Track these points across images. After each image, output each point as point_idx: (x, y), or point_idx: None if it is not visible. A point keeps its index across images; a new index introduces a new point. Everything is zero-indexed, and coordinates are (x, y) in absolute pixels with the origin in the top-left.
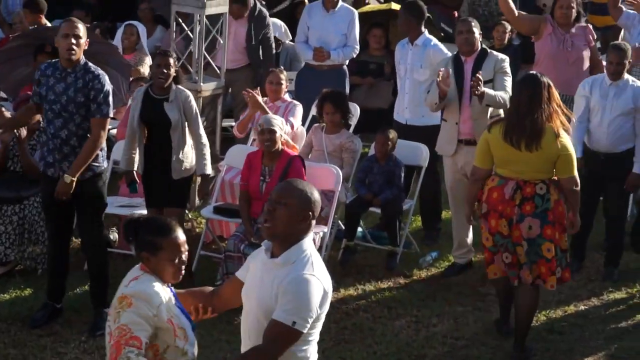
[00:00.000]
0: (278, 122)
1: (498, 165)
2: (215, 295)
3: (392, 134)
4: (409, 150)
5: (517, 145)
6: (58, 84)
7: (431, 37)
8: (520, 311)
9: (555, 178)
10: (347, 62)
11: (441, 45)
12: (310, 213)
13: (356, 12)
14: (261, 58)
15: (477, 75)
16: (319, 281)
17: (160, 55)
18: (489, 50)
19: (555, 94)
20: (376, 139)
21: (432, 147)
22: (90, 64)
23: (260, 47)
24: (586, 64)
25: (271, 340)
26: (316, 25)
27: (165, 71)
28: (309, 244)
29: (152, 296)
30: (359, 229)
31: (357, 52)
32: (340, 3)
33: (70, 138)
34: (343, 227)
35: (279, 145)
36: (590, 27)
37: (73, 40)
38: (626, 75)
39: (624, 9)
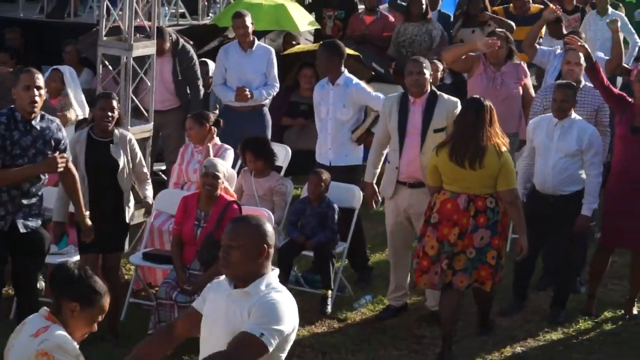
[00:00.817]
0: (223, 169)
1: (447, 183)
2: (175, 332)
3: (325, 175)
4: (341, 192)
5: (462, 164)
6: (24, 137)
7: (351, 76)
8: (444, 311)
9: (497, 190)
10: (269, 102)
11: (363, 84)
12: (266, 245)
13: (273, 51)
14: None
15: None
16: (292, 302)
17: (103, 98)
18: (438, 93)
19: (495, 117)
20: (309, 181)
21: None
22: (43, 112)
23: (188, 85)
24: (518, 102)
25: (235, 348)
26: (234, 66)
27: (110, 114)
28: (274, 278)
29: (72, 347)
30: (292, 273)
31: (278, 90)
32: (257, 42)
33: (31, 189)
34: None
35: (219, 192)
36: (523, 64)
37: (36, 92)
38: (573, 115)
39: (538, 47)
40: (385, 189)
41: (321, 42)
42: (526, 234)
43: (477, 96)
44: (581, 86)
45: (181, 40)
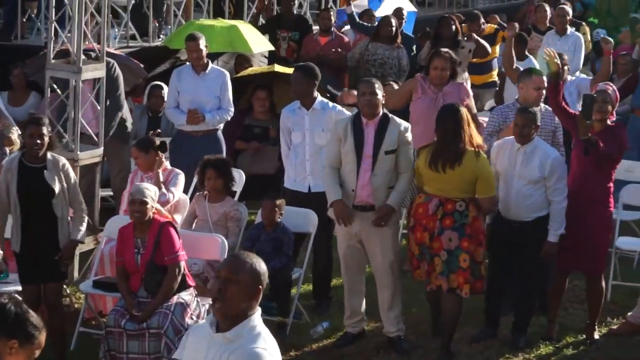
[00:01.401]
0: (151, 193)
1: (424, 183)
2: None
3: (280, 200)
4: (296, 217)
5: (442, 168)
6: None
7: (326, 99)
8: (445, 315)
9: (477, 196)
10: (222, 126)
11: (340, 107)
12: (261, 287)
13: (227, 74)
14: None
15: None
16: (271, 356)
17: (32, 125)
18: (390, 116)
19: (471, 122)
20: (263, 206)
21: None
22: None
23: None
24: None
25: None
26: (187, 89)
27: (38, 141)
28: (258, 318)
29: None
30: None
31: (232, 114)
32: (211, 65)
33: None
34: None
35: (150, 215)
36: (466, 84)
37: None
38: (536, 140)
39: (521, 69)
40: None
41: (295, 66)
42: (492, 265)
43: (454, 103)
44: (542, 108)
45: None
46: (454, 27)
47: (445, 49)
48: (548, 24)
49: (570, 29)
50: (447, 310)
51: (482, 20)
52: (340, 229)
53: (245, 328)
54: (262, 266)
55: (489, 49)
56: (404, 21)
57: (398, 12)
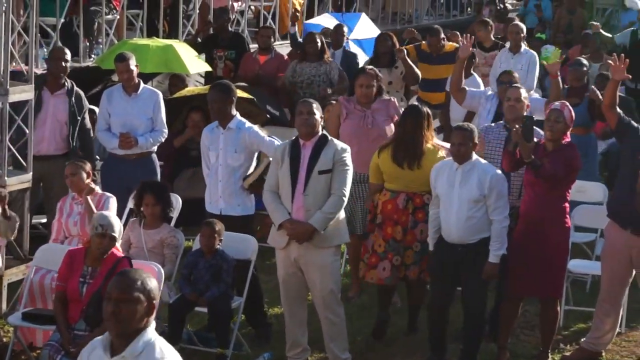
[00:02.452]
0: (118, 227)
1: (387, 181)
2: None
3: (219, 225)
4: (236, 243)
5: (402, 165)
6: None
7: (243, 119)
8: (411, 305)
9: None
10: (156, 149)
11: (256, 128)
12: (155, 302)
13: (160, 94)
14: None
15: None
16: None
17: None
18: (330, 138)
19: (432, 123)
20: (201, 232)
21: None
22: None
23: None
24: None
25: None
26: (118, 111)
27: None
28: (152, 331)
29: None
30: (184, 331)
31: (166, 136)
32: (142, 85)
33: None
34: (166, 330)
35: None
36: (394, 100)
37: None
38: (474, 157)
39: (467, 89)
40: (277, 239)
41: (212, 84)
42: (437, 286)
43: (416, 103)
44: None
45: (74, 84)
46: (389, 43)
47: (370, 67)
48: (494, 40)
49: (524, 47)
50: (417, 298)
51: (443, 35)
52: (279, 255)
53: (139, 343)
54: (152, 281)
55: (419, 75)
56: (345, 38)
57: (338, 29)
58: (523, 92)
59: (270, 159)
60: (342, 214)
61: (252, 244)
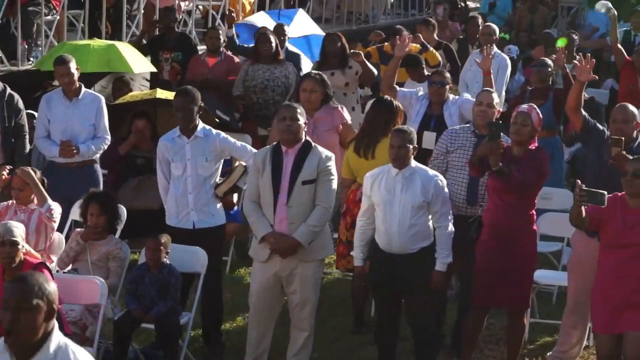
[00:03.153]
0: (20, 232)
1: (356, 174)
2: None
3: (165, 238)
4: (185, 256)
5: (361, 155)
6: None
7: (208, 125)
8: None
9: None
10: (98, 157)
11: (225, 134)
12: (55, 306)
13: (103, 99)
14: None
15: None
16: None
17: None
18: (314, 144)
19: (401, 114)
20: (146, 245)
21: (220, 250)
22: None
23: (14, 140)
24: (335, 149)
25: None
26: (58, 117)
27: None
28: (57, 333)
29: None
30: (130, 348)
31: (109, 143)
32: (84, 90)
33: None
34: (111, 347)
35: (21, 257)
36: (341, 109)
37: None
38: (413, 163)
39: (398, 88)
40: (258, 252)
41: (177, 90)
42: (381, 301)
43: (389, 98)
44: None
45: (8, 88)
46: (339, 44)
47: (317, 72)
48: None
49: (495, 50)
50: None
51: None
52: (256, 269)
53: (50, 350)
54: (51, 285)
55: (375, 72)
56: (286, 38)
57: (279, 29)
58: (495, 97)
59: (244, 164)
60: (326, 228)
61: (202, 256)
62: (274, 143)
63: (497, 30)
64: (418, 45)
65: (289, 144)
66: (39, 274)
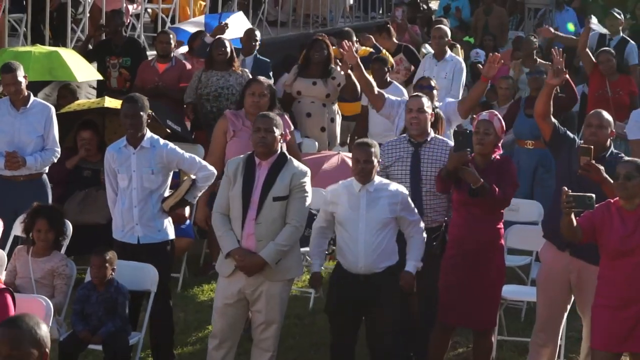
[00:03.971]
0: None
1: None
2: None
3: (110, 254)
4: (133, 273)
5: None
6: None
7: (156, 135)
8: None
9: None
10: (47, 170)
11: (172, 145)
12: (47, 350)
13: (53, 108)
14: None
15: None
16: None
17: None
18: (289, 157)
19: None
20: (91, 262)
21: (169, 266)
22: None
23: None
24: None
25: None
26: (4, 127)
27: None
28: None
29: None
30: None
31: (59, 156)
32: (33, 99)
33: None
34: None
35: None
36: (287, 116)
37: None
38: (377, 178)
39: (386, 96)
40: (222, 267)
41: (125, 97)
42: (342, 319)
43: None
44: (429, 138)
45: None
46: (326, 52)
47: (262, 77)
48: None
49: (449, 53)
50: None
51: (355, 39)
52: (221, 284)
53: None
54: (42, 328)
55: (359, 89)
56: (256, 43)
57: (250, 33)
58: (426, 102)
59: (192, 177)
60: (296, 247)
61: (152, 273)
62: (248, 153)
63: (449, 32)
64: (369, 49)
65: (263, 156)
66: (30, 317)
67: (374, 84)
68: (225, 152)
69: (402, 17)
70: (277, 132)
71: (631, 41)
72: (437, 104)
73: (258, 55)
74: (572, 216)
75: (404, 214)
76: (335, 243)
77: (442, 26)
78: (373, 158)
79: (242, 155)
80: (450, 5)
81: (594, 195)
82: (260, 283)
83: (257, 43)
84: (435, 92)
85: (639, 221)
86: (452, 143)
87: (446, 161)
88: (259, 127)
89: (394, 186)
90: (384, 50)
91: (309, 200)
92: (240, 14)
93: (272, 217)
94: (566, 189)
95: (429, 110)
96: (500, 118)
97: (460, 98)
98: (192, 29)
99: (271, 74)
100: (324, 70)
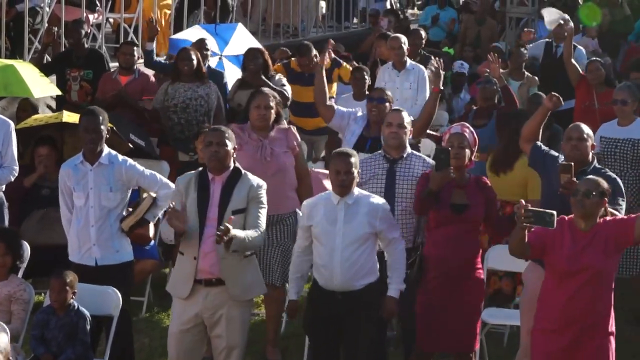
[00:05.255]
0: None
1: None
2: None
3: (71, 276)
4: (95, 296)
5: (497, 173)
6: None
7: (114, 151)
8: None
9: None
10: (3, 188)
11: (132, 161)
12: (10, 359)
13: (12, 124)
14: None
15: (223, 226)
16: None
17: None
18: (243, 172)
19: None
20: (51, 286)
21: (129, 290)
22: None
23: None
24: (292, 175)
25: None
26: None
27: None
28: None
29: None
30: None
31: (17, 174)
32: None
33: None
34: None
35: None
36: (294, 130)
37: None
38: (357, 190)
39: (336, 107)
40: (178, 288)
41: (83, 110)
42: (318, 344)
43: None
44: (405, 154)
45: None
46: (261, 61)
47: (267, 89)
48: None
49: (410, 62)
50: None
51: (315, 52)
52: (177, 306)
53: None
54: (2, 337)
55: (289, 96)
56: (208, 53)
57: (200, 43)
58: (406, 117)
59: (153, 194)
60: (256, 263)
61: (114, 297)
62: (200, 169)
63: (407, 40)
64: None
65: (216, 171)
66: None
67: (328, 95)
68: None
69: (387, 27)
70: (230, 146)
71: (579, 46)
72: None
73: (211, 66)
74: (526, 232)
75: (384, 230)
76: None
77: (399, 35)
78: (353, 169)
79: (193, 172)
80: (439, 14)
81: (555, 213)
82: (219, 306)
83: (209, 53)
84: (387, 104)
85: (590, 243)
86: (429, 159)
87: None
88: (210, 141)
89: (375, 199)
90: (344, 64)
91: (265, 211)
92: (241, 26)
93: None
94: (524, 202)
95: (409, 127)
96: (472, 130)
97: None
98: (194, 39)
99: (227, 85)
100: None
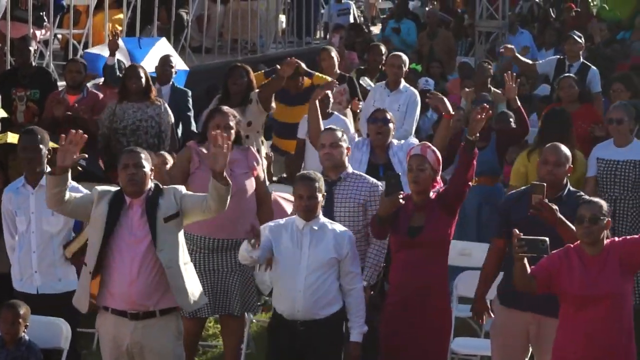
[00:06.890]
0: None
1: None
2: None
3: (24, 308)
4: (45, 329)
5: None
6: None
7: None
8: None
9: None
10: None
11: (76, 184)
12: None
13: None
14: None
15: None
16: None
17: None
18: (162, 187)
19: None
20: (2, 317)
21: (74, 320)
22: None
23: None
24: (252, 198)
25: None
26: None
27: None
28: None
29: None
30: None
31: None
32: None
33: None
34: None
35: None
36: (254, 149)
37: None
38: (321, 218)
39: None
40: (82, 301)
41: (23, 130)
42: None
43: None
44: (343, 175)
45: None
46: (245, 79)
47: (226, 107)
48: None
49: (404, 84)
50: None
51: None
52: (105, 341)
53: None
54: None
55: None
56: (172, 69)
57: (165, 59)
58: (339, 134)
59: None
60: (196, 289)
61: (64, 329)
62: (116, 190)
63: (407, 61)
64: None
65: (133, 195)
66: None
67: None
68: (189, 183)
69: (339, 44)
70: (148, 167)
71: (592, 67)
72: (394, 142)
73: (176, 84)
74: (525, 262)
75: (348, 259)
76: (270, 294)
77: (401, 54)
78: (317, 193)
79: (113, 189)
80: (400, 27)
81: (547, 239)
82: (150, 338)
83: (174, 70)
84: (391, 125)
85: (604, 266)
86: (373, 180)
87: (361, 199)
88: (126, 163)
89: (340, 227)
90: (316, 73)
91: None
92: (164, 40)
93: (171, 239)
94: (517, 231)
95: (344, 144)
96: (435, 150)
97: (412, 132)
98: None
99: (190, 105)
100: (243, 99)
